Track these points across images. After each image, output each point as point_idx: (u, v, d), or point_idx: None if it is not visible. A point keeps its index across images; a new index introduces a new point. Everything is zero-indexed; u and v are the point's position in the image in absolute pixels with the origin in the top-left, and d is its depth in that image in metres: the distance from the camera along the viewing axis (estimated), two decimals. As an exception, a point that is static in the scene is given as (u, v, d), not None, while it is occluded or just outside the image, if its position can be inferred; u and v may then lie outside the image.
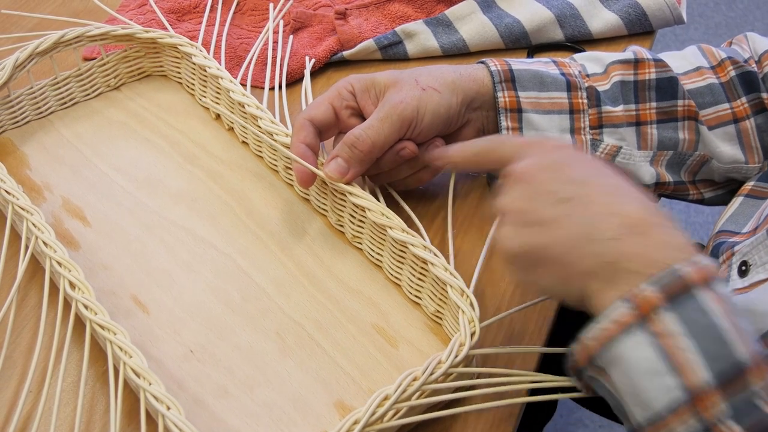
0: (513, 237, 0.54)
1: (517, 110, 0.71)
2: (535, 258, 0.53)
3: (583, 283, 0.52)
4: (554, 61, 0.75)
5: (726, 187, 0.77)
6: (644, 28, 0.92)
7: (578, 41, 0.92)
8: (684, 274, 0.48)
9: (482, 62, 0.74)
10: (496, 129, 0.72)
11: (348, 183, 0.68)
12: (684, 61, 0.76)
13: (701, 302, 0.48)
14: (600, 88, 0.73)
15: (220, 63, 0.84)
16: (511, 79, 0.72)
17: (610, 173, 0.55)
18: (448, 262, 0.65)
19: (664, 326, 0.48)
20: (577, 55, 0.77)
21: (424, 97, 0.68)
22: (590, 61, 0.76)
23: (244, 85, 0.83)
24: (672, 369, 0.47)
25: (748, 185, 0.72)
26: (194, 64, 0.82)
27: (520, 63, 0.73)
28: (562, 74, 0.73)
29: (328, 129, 0.70)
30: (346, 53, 0.90)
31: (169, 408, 0.55)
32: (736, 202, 0.71)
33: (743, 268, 0.62)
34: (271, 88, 0.85)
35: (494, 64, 0.72)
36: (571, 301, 0.54)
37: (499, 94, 0.71)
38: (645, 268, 0.49)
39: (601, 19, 0.92)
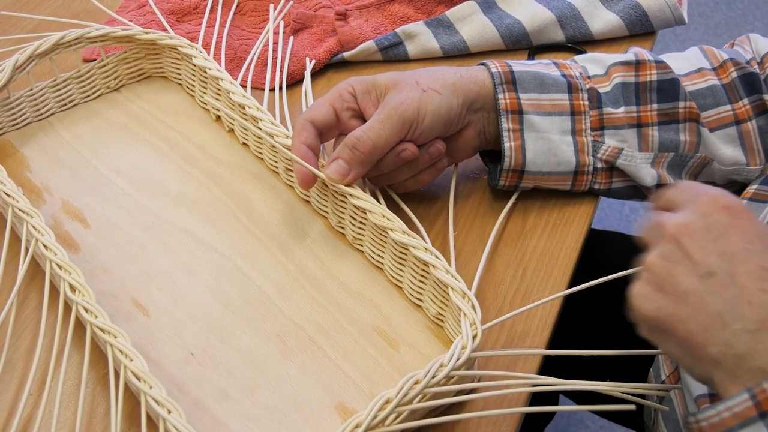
0: (647, 299, 0.52)
1: (518, 112, 0.71)
2: (664, 327, 0.51)
3: (708, 367, 0.50)
4: (555, 63, 0.75)
5: (727, 189, 0.77)
6: (645, 29, 0.92)
7: (579, 42, 0.92)
8: None
9: (483, 64, 0.73)
10: (496, 130, 0.72)
11: (349, 184, 0.68)
12: (685, 62, 0.76)
13: None
14: (601, 90, 0.73)
15: (220, 64, 0.84)
16: (511, 81, 0.71)
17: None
18: (450, 264, 0.65)
19: None
20: (578, 57, 0.77)
21: (424, 99, 0.68)
22: (591, 63, 0.76)
23: (244, 86, 0.83)
24: None
25: (751, 189, 0.71)
26: (194, 65, 0.82)
27: (520, 64, 0.73)
28: (563, 76, 0.73)
29: (329, 130, 0.70)
30: (346, 54, 0.90)
31: (170, 411, 0.55)
32: None
33: None
34: (272, 90, 0.85)
35: (495, 65, 0.72)
36: (695, 377, 0.52)
37: (500, 96, 0.71)
38: None
39: (602, 20, 0.92)
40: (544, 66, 0.74)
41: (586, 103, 0.72)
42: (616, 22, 0.91)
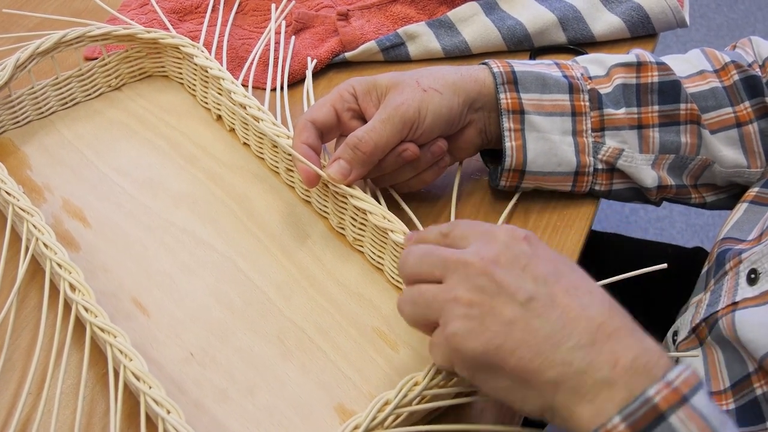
0: (471, 336, 0.50)
1: (520, 112, 0.71)
2: (493, 362, 0.50)
3: (548, 393, 0.49)
4: (556, 63, 0.75)
5: (728, 192, 0.77)
6: (647, 31, 0.92)
7: (581, 44, 0.92)
8: (655, 400, 0.46)
9: (484, 63, 0.73)
10: (497, 130, 0.72)
11: (350, 185, 0.68)
12: (687, 64, 0.76)
13: (675, 428, 0.46)
14: (602, 91, 0.73)
15: (221, 64, 0.84)
16: (513, 81, 0.71)
17: (573, 268, 0.54)
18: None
19: None
20: (579, 58, 0.77)
21: (425, 99, 0.68)
22: (593, 64, 0.76)
23: (245, 86, 0.83)
24: None
25: (753, 191, 0.71)
26: (196, 64, 0.82)
27: (522, 64, 0.73)
28: (565, 76, 0.73)
29: (330, 131, 0.70)
30: (347, 54, 0.90)
31: (169, 412, 0.55)
32: (741, 208, 0.71)
33: (752, 276, 0.62)
34: (273, 89, 0.85)
35: (497, 65, 0.72)
36: (530, 410, 0.51)
37: (502, 96, 0.71)
38: (618, 376, 0.47)
39: (604, 22, 0.92)
40: (545, 66, 0.74)
41: (587, 104, 0.72)
42: (618, 24, 0.91)
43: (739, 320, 0.60)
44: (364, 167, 0.68)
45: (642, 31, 0.92)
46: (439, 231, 0.57)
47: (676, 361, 0.66)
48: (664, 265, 0.62)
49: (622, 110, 0.73)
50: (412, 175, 0.71)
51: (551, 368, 0.48)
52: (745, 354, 0.59)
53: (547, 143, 0.72)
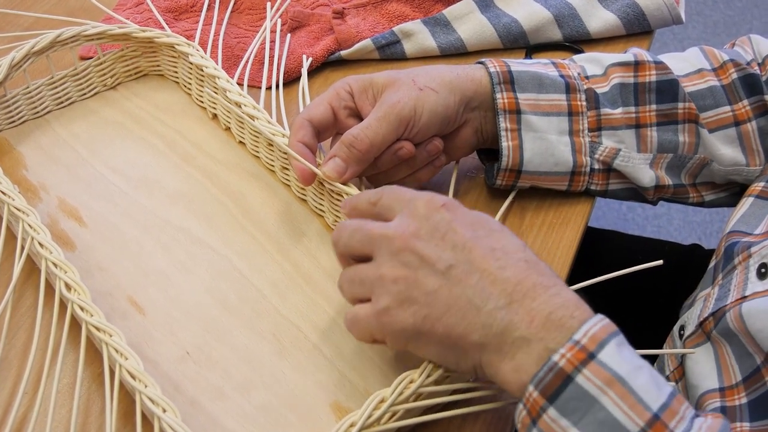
0: (400, 311, 0.54)
1: (516, 111, 0.71)
2: (423, 331, 0.54)
3: (475, 354, 0.53)
4: (553, 63, 0.75)
5: (727, 190, 0.77)
6: (643, 28, 0.92)
7: (576, 41, 0.92)
8: (560, 364, 0.49)
9: (481, 63, 0.73)
10: (493, 129, 0.72)
11: (345, 182, 0.68)
12: (685, 62, 0.76)
13: (581, 386, 0.49)
14: (599, 90, 0.73)
15: (217, 62, 0.83)
16: (509, 81, 0.71)
17: (492, 229, 0.56)
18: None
19: (552, 423, 0.50)
20: (576, 57, 0.77)
21: (421, 97, 0.68)
22: (590, 63, 0.76)
23: (241, 84, 0.83)
24: None
25: (758, 186, 0.71)
26: (191, 63, 0.82)
27: (519, 64, 0.73)
28: (561, 76, 0.73)
29: (327, 129, 0.70)
30: (343, 53, 0.90)
31: (165, 410, 0.54)
32: (747, 202, 0.71)
33: (763, 270, 0.62)
34: (268, 88, 0.84)
35: (493, 65, 0.72)
36: (463, 370, 0.55)
37: (498, 96, 0.71)
38: (533, 333, 0.51)
39: (600, 19, 0.92)
40: (542, 66, 0.74)
41: (584, 103, 0.72)
42: (614, 21, 0.91)
43: (746, 311, 0.60)
44: (360, 165, 0.68)
45: (637, 27, 0.92)
46: (368, 199, 0.60)
47: (682, 357, 0.66)
48: (660, 262, 0.62)
49: (619, 110, 0.73)
50: (407, 174, 0.71)
51: (474, 331, 0.52)
52: (752, 346, 0.59)
53: (544, 143, 0.72)
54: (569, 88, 0.72)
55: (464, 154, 0.75)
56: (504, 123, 0.71)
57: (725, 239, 0.69)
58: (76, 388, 0.59)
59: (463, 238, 0.54)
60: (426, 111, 0.68)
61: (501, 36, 0.91)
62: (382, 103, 0.68)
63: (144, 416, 0.57)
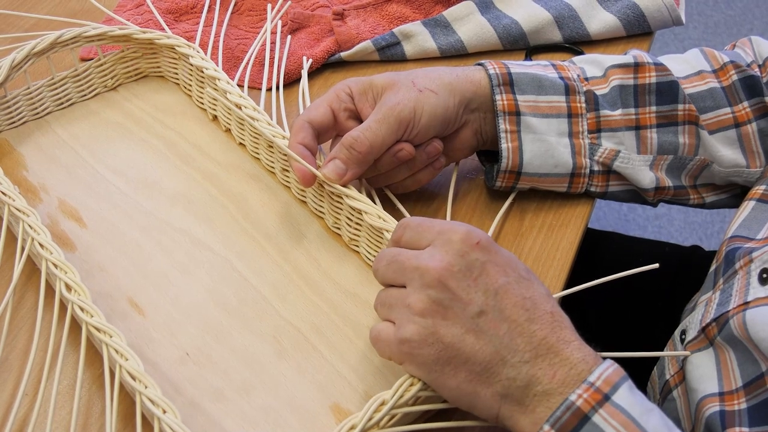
0: (422, 344, 0.54)
1: (516, 113, 0.71)
2: (443, 371, 0.54)
3: (494, 403, 0.54)
4: (553, 65, 0.75)
5: (728, 191, 0.77)
6: (642, 30, 0.92)
7: (576, 42, 0.92)
8: (577, 403, 0.51)
9: (480, 64, 0.73)
10: (493, 131, 0.72)
11: (345, 184, 0.68)
12: (686, 64, 0.76)
13: (598, 426, 0.50)
14: (598, 92, 0.73)
15: (217, 64, 0.84)
16: (509, 83, 0.71)
17: (521, 276, 0.56)
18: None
19: None
20: (576, 58, 0.77)
21: (421, 99, 0.68)
22: (589, 65, 0.76)
23: (241, 86, 0.83)
24: None
25: (759, 189, 0.71)
26: (191, 65, 0.82)
27: (518, 66, 0.73)
28: (561, 78, 0.73)
29: (327, 131, 0.70)
30: (343, 54, 0.90)
31: (165, 411, 0.54)
32: (748, 206, 0.71)
33: (765, 275, 0.62)
34: (269, 89, 0.85)
35: (493, 67, 0.72)
36: (480, 415, 0.55)
37: (498, 97, 0.71)
38: (555, 387, 0.52)
39: (600, 21, 0.92)
40: (541, 68, 0.74)
41: (584, 105, 0.72)
42: (614, 22, 0.91)
43: (750, 319, 0.60)
44: (360, 167, 0.68)
45: (637, 29, 0.92)
46: (400, 228, 0.61)
47: (683, 361, 0.66)
48: (656, 265, 0.62)
49: (619, 111, 0.73)
50: (407, 175, 0.72)
51: (498, 382, 0.53)
52: (757, 353, 0.59)
53: (544, 145, 0.72)
54: (569, 90, 0.72)
55: (464, 155, 0.75)
56: (503, 125, 0.71)
57: (726, 243, 0.69)
58: (76, 389, 0.59)
59: (496, 283, 0.54)
60: (425, 112, 0.68)
61: (501, 37, 0.91)
62: (382, 105, 0.68)
63: (144, 417, 0.57)
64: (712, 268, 0.71)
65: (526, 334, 0.53)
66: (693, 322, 0.69)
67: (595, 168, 0.73)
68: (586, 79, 0.74)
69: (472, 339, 0.53)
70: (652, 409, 0.52)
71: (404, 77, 0.70)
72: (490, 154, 0.77)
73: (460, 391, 0.54)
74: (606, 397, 0.51)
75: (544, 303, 0.55)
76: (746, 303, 0.62)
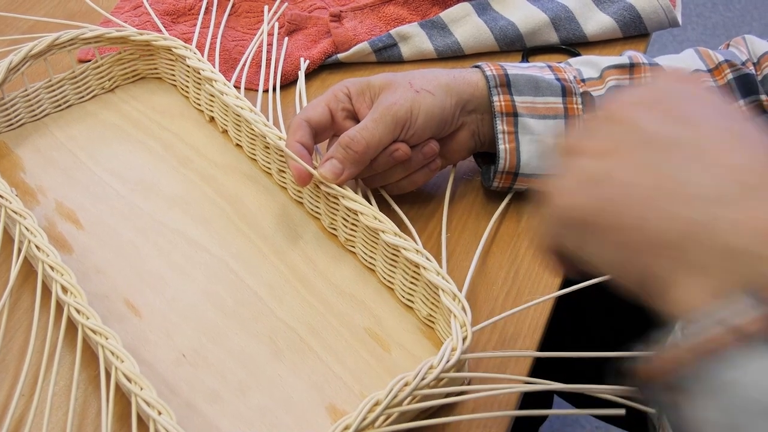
0: (575, 188, 0.42)
1: (513, 114, 0.71)
2: (596, 219, 0.41)
3: (659, 260, 0.38)
4: (549, 66, 0.75)
5: None
6: (639, 31, 0.92)
7: (573, 44, 0.92)
8: None
9: (477, 66, 0.73)
10: (490, 132, 0.72)
11: (342, 184, 0.68)
12: (681, 64, 0.76)
13: None
14: (595, 93, 0.73)
15: (214, 65, 0.84)
16: (506, 84, 0.72)
17: (735, 116, 0.42)
18: (441, 266, 0.65)
19: None
20: (572, 60, 0.77)
21: (417, 99, 0.68)
22: (586, 66, 0.76)
23: (238, 87, 0.83)
24: None
25: None
26: (188, 66, 0.82)
27: (515, 67, 0.73)
28: (557, 79, 0.73)
29: (324, 131, 0.71)
30: (340, 56, 0.90)
31: (160, 413, 0.55)
32: None
33: None
34: (265, 91, 0.85)
35: (489, 68, 0.72)
36: (631, 285, 0.41)
37: (495, 99, 0.71)
38: (761, 247, 0.35)
39: (596, 22, 0.92)
40: (538, 69, 0.74)
41: (580, 107, 0.73)
42: (610, 24, 0.91)
43: None
44: (357, 166, 0.68)
45: (634, 30, 0.92)
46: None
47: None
48: None
49: None
50: (403, 176, 0.72)
51: (669, 223, 0.38)
52: None
53: (541, 146, 0.72)
54: (565, 92, 0.73)
55: (462, 157, 0.75)
56: (501, 125, 0.71)
57: None
58: (72, 391, 0.60)
59: (696, 113, 0.41)
60: (422, 113, 0.68)
61: (498, 39, 0.91)
62: (379, 105, 0.68)
63: (140, 419, 0.57)
64: None
65: (727, 166, 0.39)
66: None
67: None
68: (583, 80, 0.74)
69: (646, 172, 0.40)
70: None
71: (401, 78, 0.70)
72: (486, 155, 0.77)
73: (613, 252, 0.41)
74: None
75: (763, 140, 0.40)
76: None
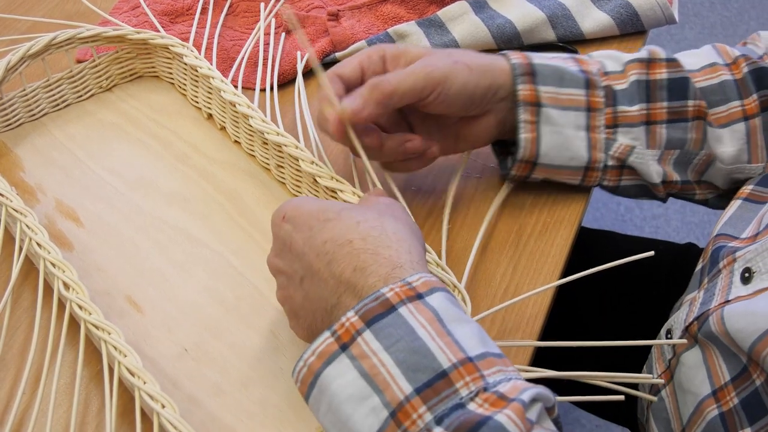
0: (291, 321, 0.61)
1: (536, 104, 0.71)
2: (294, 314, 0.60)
3: (314, 325, 0.58)
4: (573, 58, 0.74)
5: (731, 190, 0.77)
6: (636, 28, 0.93)
7: (570, 41, 0.92)
8: (387, 294, 0.50)
9: (502, 54, 0.73)
10: (515, 121, 0.72)
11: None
12: (699, 58, 0.75)
13: (402, 316, 0.50)
14: (617, 87, 0.73)
15: (211, 63, 0.84)
16: (531, 73, 0.71)
17: (331, 215, 0.57)
18: (441, 258, 0.65)
19: (365, 346, 0.49)
20: (595, 53, 0.77)
21: (455, 69, 0.68)
22: (609, 59, 0.75)
23: (235, 86, 0.83)
24: (376, 388, 0.48)
25: (747, 188, 0.71)
26: (185, 64, 0.82)
27: (540, 57, 0.73)
28: (581, 71, 0.73)
29: (353, 89, 0.69)
30: (338, 54, 0.91)
31: (164, 406, 0.55)
32: (734, 205, 0.71)
33: (746, 275, 0.62)
34: (263, 90, 0.85)
35: (516, 57, 0.72)
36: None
37: (520, 87, 0.71)
38: (341, 298, 0.54)
39: (593, 20, 0.92)
40: (562, 60, 0.73)
41: (602, 100, 0.72)
42: (607, 21, 0.92)
43: (728, 314, 0.60)
44: (377, 108, 0.66)
45: (631, 28, 0.92)
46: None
47: (670, 360, 0.66)
48: (651, 253, 0.62)
49: (636, 107, 0.73)
50: (399, 158, 0.72)
51: (323, 325, 0.55)
52: (734, 348, 0.60)
53: (561, 137, 0.72)
54: (589, 84, 0.72)
55: (482, 144, 0.75)
56: (524, 115, 0.71)
57: (712, 242, 0.70)
58: (75, 387, 0.60)
59: (300, 246, 0.57)
60: (457, 83, 0.67)
61: (495, 37, 0.91)
62: (416, 64, 0.68)
63: (143, 413, 0.57)
64: (698, 267, 0.71)
65: (332, 278, 0.54)
66: (678, 321, 0.69)
67: (609, 162, 0.73)
68: (606, 73, 0.74)
69: (307, 304, 0.57)
70: (470, 321, 0.51)
71: (440, 50, 0.70)
72: (502, 142, 0.77)
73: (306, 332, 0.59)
74: (419, 296, 0.51)
75: (346, 234, 0.55)
76: (727, 301, 0.62)
